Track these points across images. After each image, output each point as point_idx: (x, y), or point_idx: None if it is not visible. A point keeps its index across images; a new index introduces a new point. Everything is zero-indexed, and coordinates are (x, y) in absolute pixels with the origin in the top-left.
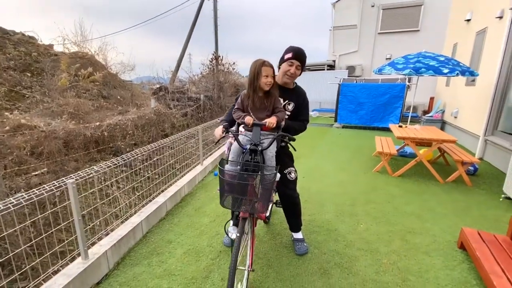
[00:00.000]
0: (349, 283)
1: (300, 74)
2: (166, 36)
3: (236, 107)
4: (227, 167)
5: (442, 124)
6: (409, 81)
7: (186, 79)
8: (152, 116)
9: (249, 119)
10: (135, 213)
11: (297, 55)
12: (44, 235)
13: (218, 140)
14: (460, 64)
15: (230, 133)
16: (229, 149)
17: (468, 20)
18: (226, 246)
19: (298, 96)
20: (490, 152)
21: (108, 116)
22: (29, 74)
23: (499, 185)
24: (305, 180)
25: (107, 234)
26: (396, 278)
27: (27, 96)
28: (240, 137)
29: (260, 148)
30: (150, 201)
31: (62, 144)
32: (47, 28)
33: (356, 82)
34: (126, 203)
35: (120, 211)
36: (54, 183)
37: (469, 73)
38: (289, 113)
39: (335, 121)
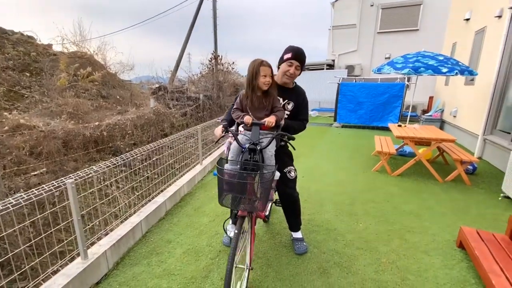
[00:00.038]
0: (349, 282)
1: (299, 74)
2: (165, 36)
3: (235, 107)
4: (226, 166)
5: (441, 123)
6: (408, 81)
7: (186, 78)
8: (151, 116)
9: (248, 119)
10: (134, 213)
11: (297, 55)
12: (43, 235)
13: (218, 140)
14: (459, 63)
15: (229, 132)
16: (228, 148)
17: (467, 20)
18: (226, 246)
19: (297, 95)
20: (489, 151)
21: (107, 116)
22: (28, 74)
23: (498, 184)
24: (305, 180)
25: (106, 234)
26: (395, 277)
27: (26, 96)
28: (240, 137)
29: (259, 147)
30: (150, 201)
31: (61, 144)
32: (46, 28)
33: (356, 81)
34: (125, 203)
35: (120, 211)
36: (53, 183)
37: (468, 72)
38: (288, 113)
39: (335, 120)
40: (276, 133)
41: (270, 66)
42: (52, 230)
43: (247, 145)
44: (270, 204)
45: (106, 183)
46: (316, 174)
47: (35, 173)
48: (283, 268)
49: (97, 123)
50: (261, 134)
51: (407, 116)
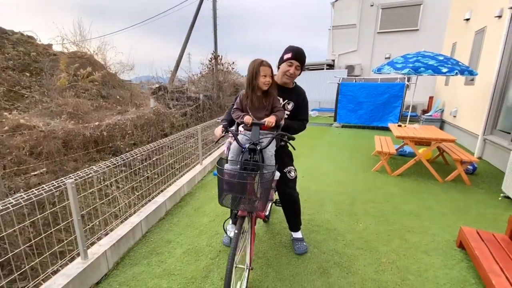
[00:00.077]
0: (349, 282)
1: (299, 74)
2: (165, 36)
3: (235, 107)
4: (226, 166)
5: (441, 123)
6: (408, 81)
7: (186, 78)
8: (151, 116)
9: (248, 119)
10: (134, 213)
11: (297, 55)
12: (43, 235)
13: (218, 140)
14: (459, 63)
15: (229, 132)
16: (228, 148)
17: (467, 20)
18: (226, 246)
19: (297, 95)
20: (489, 151)
21: (107, 116)
22: (28, 74)
23: (498, 184)
24: (305, 180)
25: (106, 234)
26: (395, 277)
27: (26, 96)
28: (239, 137)
29: (259, 147)
30: (150, 201)
31: (61, 144)
32: (46, 28)
33: (356, 81)
34: (125, 203)
35: (120, 211)
36: (53, 183)
37: (468, 72)
38: (288, 113)
39: (335, 120)
40: (276, 133)
41: (270, 66)
42: (52, 230)
43: (247, 145)
44: (270, 204)
45: (106, 183)
46: (316, 174)
47: (35, 173)
48: (283, 268)
49: (97, 123)
50: (261, 134)
51: (407, 116)
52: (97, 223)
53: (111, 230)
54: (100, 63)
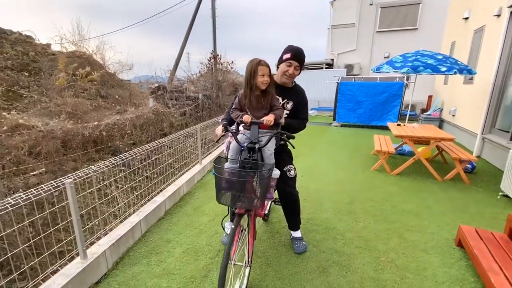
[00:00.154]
0: (348, 281)
1: (298, 74)
2: (164, 35)
3: (234, 107)
4: (226, 164)
5: (440, 122)
6: (407, 80)
7: (185, 78)
8: (150, 115)
9: (247, 118)
10: (133, 212)
11: (296, 55)
12: (42, 235)
13: (219, 139)
14: (458, 62)
15: (229, 132)
16: (227, 148)
17: (466, 19)
18: (225, 245)
19: (297, 95)
20: (487, 150)
21: (106, 116)
22: (26, 74)
23: (497, 183)
24: (304, 179)
25: (105, 234)
26: (394, 275)
27: (24, 96)
28: (239, 136)
29: (257, 146)
30: (149, 200)
31: (60, 144)
32: (44, 27)
33: (355, 80)
34: (124, 203)
35: (119, 210)
36: (52, 183)
37: (467, 71)
38: (288, 112)
39: (334, 119)
40: (275, 132)
41: (268, 66)
42: (51, 230)
43: (245, 144)
44: (269, 202)
45: (105, 183)
46: (315, 173)
47: (34, 173)
48: (282, 267)
49: (96, 123)
50: (260, 133)
51: (406, 115)
52: (97, 223)
53: (111, 229)
54: (99, 62)
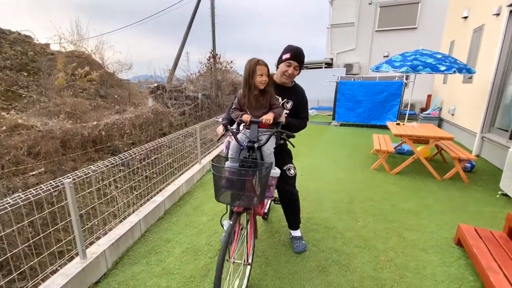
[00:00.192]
0: (347, 280)
1: (298, 74)
2: (163, 35)
3: (233, 107)
4: (227, 163)
5: (440, 122)
6: (406, 79)
7: (184, 77)
8: (149, 115)
9: (246, 117)
10: (133, 212)
11: (295, 56)
12: (42, 235)
13: (220, 138)
14: (457, 61)
15: (229, 131)
16: (227, 147)
17: (466, 18)
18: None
19: (297, 94)
20: (487, 149)
21: (106, 116)
22: (25, 74)
23: (496, 182)
24: (303, 178)
25: (105, 234)
26: (394, 274)
27: (23, 95)
28: (239, 135)
29: (256, 145)
30: (148, 200)
31: (59, 143)
32: (43, 27)
33: (354, 80)
34: (124, 202)
35: (118, 210)
36: (51, 182)
37: (466, 70)
38: (288, 112)
39: (333, 119)
40: (274, 131)
41: (266, 65)
42: (51, 230)
43: (245, 143)
44: (269, 201)
45: (104, 183)
46: (314, 173)
47: (34, 173)
48: (282, 266)
49: (95, 123)
50: (260, 132)
51: (406, 114)
52: (96, 222)
53: (110, 229)
54: (98, 62)
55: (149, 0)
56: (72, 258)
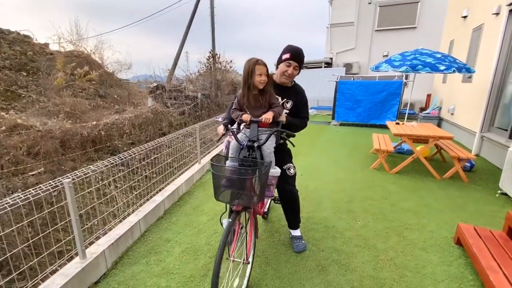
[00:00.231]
0: (347, 280)
1: (298, 74)
2: (163, 34)
3: (233, 107)
4: (227, 163)
5: (439, 121)
6: (406, 78)
7: (183, 77)
8: (149, 115)
9: (246, 117)
10: (133, 212)
11: (295, 56)
12: (41, 235)
13: (220, 138)
14: (457, 61)
15: (229, 130)
16: (226, 147)
17: (465, 17)
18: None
19: (296, 94)
20: (486, 149)
21: (105, 115)
22: (24, 74)
23: (495, 181)
24: (303, 178)
25: (105, 234)
26: (394, 274)
27: (23, 95)
28: (239, 135)
29: (256, 144)
30: (148, 200)
31: (58, 143)
32: (42, 27)
33: (354, 79)
34: (123, 202)
35: (118, 210)
36: (50, 182)
37: (466, 70)
38: (287, 111)
39: (333, 118)
40: (273, 130)
41: (265, 65)
42: (50, 230)
43: (245, 143)
44: (269, 200)
45: (104, 183)
46: (314, 172)
47: (33, 173)
48: (282, 266)
49: (94, 123)
50: (260, 131)
51: (405, 113)
52: (96, 222)
53: (110, 229)
54: (97, 62)
55: None
56: (71, 258)
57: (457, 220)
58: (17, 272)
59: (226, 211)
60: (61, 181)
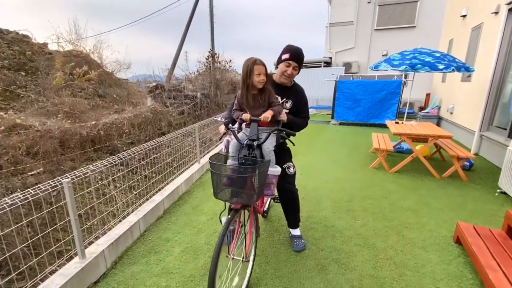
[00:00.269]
0: (347, 279)
1: (297, 74)
2: (162, 34)
3: (234, 107)
4: (228, 161)
5: (438, 120)
6: (405, 78)
7: (183, 77)
8: (148, 114)
9: (246, 116)
10: (132, 212)
11: (295, 56)
12: (40, 235)
13: (221, 137)
14: (456, 60)
15: (230, 130)
16: (226, 146)
17: (464, 16)
18: (224, 244)
19: (296, 94)
20: (485, 148)
21: (104, 115)
22: (23, 73)
23: (495, 180)
24: (302, 177)
25: (104, 233)
26: (393, 273)
27: (21, 95)
28: (240, 134)
29: (256, 143)
30: (147, 199)
31: (58, 143)
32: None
33: (353, 78)
34: (123, 202)
35: (117, 210)
36: (49, 182)
37: (465, 69)
38: (287, 111)
39: (332, 118)
40: (273, 129)
41: (264, 65)
42: (49, 230)
43: (244, 142)
44: (269, 199)
45: (103, 182)
46: (313, 172)
47: (32, 173)
48: (281, 265)
49: (94, 122)
50: (260, 130)
51: (404, 113)
52: (95, 222)
53: (109, 229)
54: (96, 61)
55: None
56: (71, 258)
57: (456, 219)
58: (17, 272)
59: (225, 209)
60: (60, 181)
